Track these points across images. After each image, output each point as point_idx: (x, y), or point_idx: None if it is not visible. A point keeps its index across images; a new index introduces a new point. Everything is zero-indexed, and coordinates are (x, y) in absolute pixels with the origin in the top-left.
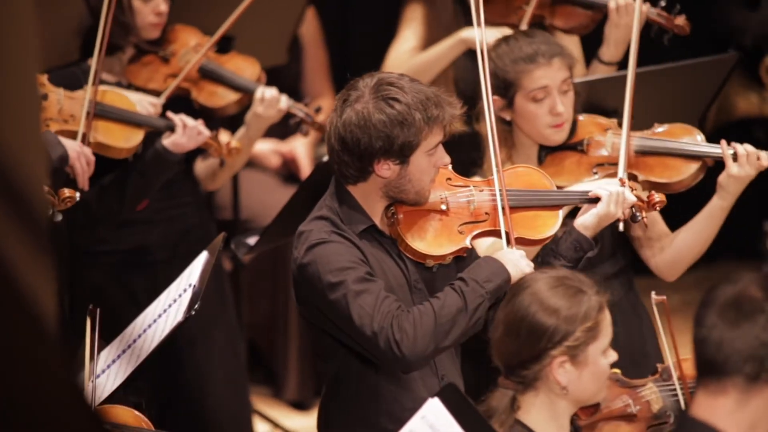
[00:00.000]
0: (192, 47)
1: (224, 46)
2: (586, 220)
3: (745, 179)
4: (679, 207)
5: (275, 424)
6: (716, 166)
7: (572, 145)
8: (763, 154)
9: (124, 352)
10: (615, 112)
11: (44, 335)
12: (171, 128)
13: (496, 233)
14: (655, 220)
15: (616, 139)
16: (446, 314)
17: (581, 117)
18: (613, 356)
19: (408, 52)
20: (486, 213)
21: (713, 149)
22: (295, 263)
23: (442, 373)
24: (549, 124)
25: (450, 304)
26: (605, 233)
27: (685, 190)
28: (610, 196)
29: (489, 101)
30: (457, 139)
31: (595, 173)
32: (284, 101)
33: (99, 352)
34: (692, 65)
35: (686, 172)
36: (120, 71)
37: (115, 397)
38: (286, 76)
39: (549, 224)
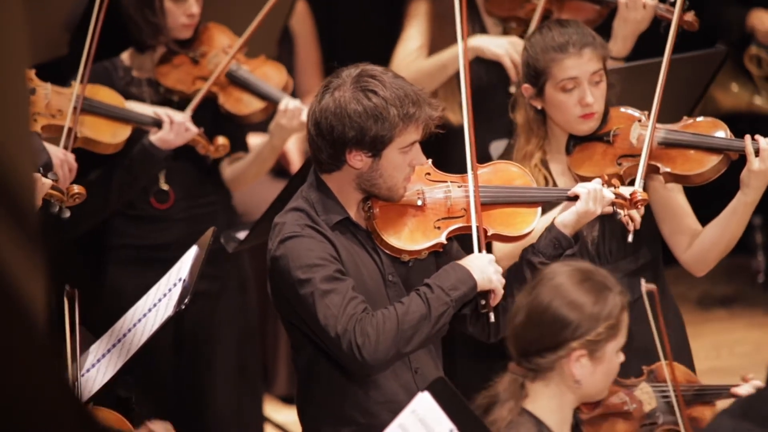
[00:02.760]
0: (222, 49)
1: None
2: (566, 218)
3: (756, 167)
4: (713, 202)
5: (265, 418)
6: (741, 160)
7: (600, 136)
8: None
9: (113, 346)
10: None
11: (33, 331)
12: (158, 124)
13: (471, 229)
14: (685, 214)
15: (641, 131)
16: (409, 320)
17: (621, 109)
18: (621, 357)
19: (415, 52)
20: (463, 209)
21: (735, 143)
22: (269, 255)
23: (416, 367)
24: (578, 114)
25: (414, 310)
26: (624, 231)
27: (707, 182)
28: (588, 194)
29: (466, 94)
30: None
31: (620, 164)
32: (306, 113)
33: (86, 343)
34: (681, 59)
35: (708, 164)
36: (151, 69)
37: (103, 393)
38: None
39: (527, 221)
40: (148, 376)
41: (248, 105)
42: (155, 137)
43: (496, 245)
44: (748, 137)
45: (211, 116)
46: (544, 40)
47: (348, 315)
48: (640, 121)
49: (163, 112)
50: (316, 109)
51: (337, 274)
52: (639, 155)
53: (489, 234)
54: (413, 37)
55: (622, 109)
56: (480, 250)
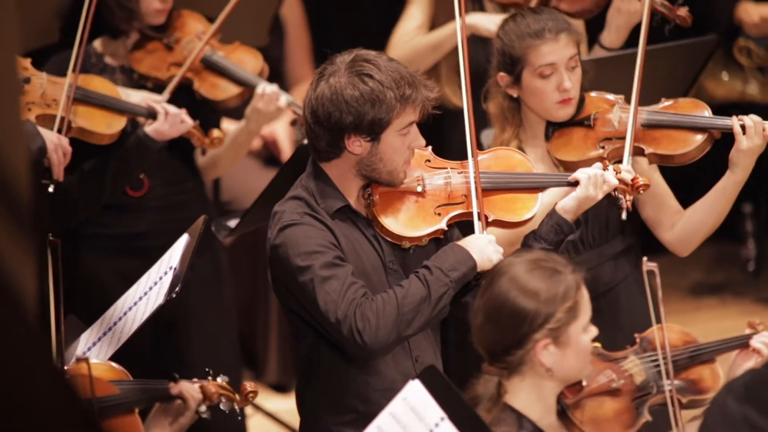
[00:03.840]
0: (196, 35)
1: (227, 34)
2: (567, 204)
3: (755, 151)
4: (692, 185)
5: (256, 407)
6: (724, 140)
7: (579, 121)
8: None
9: (104, 334)
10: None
11: (24, 320)
12: (153, 115)
13: (471, 215)
14: (666, 195)
15: (623, 114)
16: (409, 303)
17: (592, 94)
18: (593, 331)
19: (414, 30)
20: (463, 195)
21: (719, 121)
22: (268, 243)
23: (416, 354)
24: (556, 101)
25: (413, 293)
26: (610, 213)
27: (691, 162)
28: (589, 179)
29: (466, 81)
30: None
31: (602, 147)
32: (284, 99)
33: (76, 330)
34: (672, 48)
35: (692, 144)
36: (124, 55)
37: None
38: (267, 59)
39: (527, 207)
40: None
41: (224, 90)
42: (150, 129)
43: (497, 232)
44: (734, 117)
45: (185, 102)
46: (519, 27)
47: (348, 300)
48: (617, 104)
49: (159, 104)
50: (312, 97)
51: (337, 261)
52: (621, 138)
53: (490, 220)
54: (414, 15)
55: (595, 94)
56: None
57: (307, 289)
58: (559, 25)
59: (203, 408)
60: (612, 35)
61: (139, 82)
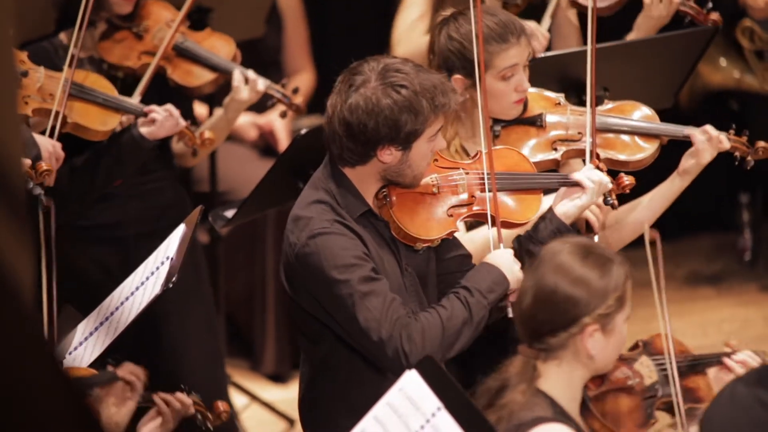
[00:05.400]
0: (165, 23)
1: (199, 21)
2: (569, 210)
3: (707, 160)
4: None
5: (253, 397)
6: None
7: (530, 120)
8: (722, 136)
9: (101, 324)
10: (577, 88)
11: (22, 310)
12: (147, 114)
13: (482, 216)
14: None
15: (573, 116)
16: (453, 326)
17: (532, 90)
18: (625, 328)
19: (415, 22)
20: (473, 196)
21: (674, 129)
22: (293, 249)
23: None
24: (513, 101)
25: (456, 315)
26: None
27: (642, 168)
28: (593, 186)
29: (481, 83)
30: None
31: (555, 150)
32: (261, 83)
33: (72, 320)
34: (670, 37)
35: (647, 150)
36: (92, 46)
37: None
38: (265, 50)
39: (533, 207)
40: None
41: (198, 77)
42: (145, 130)
43: (477, 235)
44: (687, 127)
45: (158, 90)
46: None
47: (392, 320)
48: (559, 103)
49: (159, 108)
50: (344, 108)
51: (373, 274)
52: (575, 140)
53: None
54: (414, 4)
55: (534, 90)
56: (500, 241)
57: (345, 304)
58: (518, 27)
59: (147, 394)
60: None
61: (109, 72)
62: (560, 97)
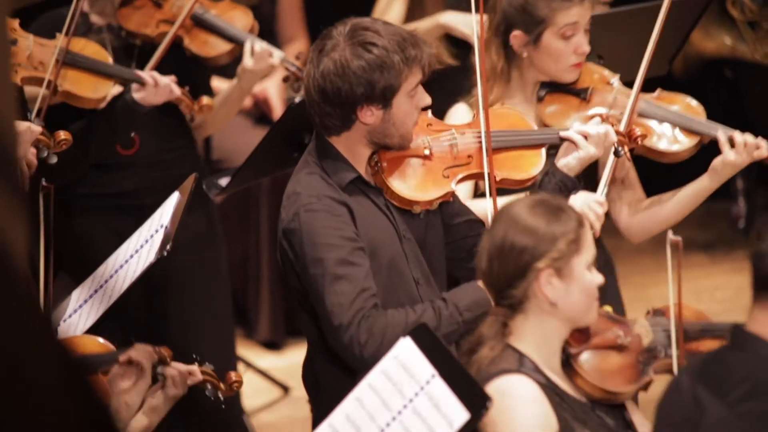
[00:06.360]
0: None
1: None
2: (570, 163)
3: (740, 166)
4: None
5: (248, 364)
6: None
7: (576, 91)
8: (763, 143)
9: (95, 292)
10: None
11: (15, 278)
12: (141, 81)
13: (480, 176)
14: (634, 181)
15: (620, 97)
16: None
17: (586, 63)
18: (599, 277)
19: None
20: (469, 156)
21: (713, 131)
22: (282, 225)
23: None
24: (571, 63)
25: (424, 322)
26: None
27: (676, 162)
28: (591, 138)
29: (479, 46)
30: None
31: None
32: (277, 56)
33: (66, 288)
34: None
35: (685, 144)
36: (111, 13)
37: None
38: (259, 17)
39: (533, 163)
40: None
41: (214, 47)
42: (138, 95)
43: (478, 204)
44: (722, 129)
45: (175, 60)
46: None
47: (356, 308)
48: (612, 83)
49: (148, 74)
50: (316, 74)
51: (352, 257)
52: (615, 120)
53: (498, 179)
54: None
55: (594, 65)
56: (492, 196)
57: (316, 284)
58: None
59: (160, 370)
60: None
61: (127, 39)
62: (615, 77)
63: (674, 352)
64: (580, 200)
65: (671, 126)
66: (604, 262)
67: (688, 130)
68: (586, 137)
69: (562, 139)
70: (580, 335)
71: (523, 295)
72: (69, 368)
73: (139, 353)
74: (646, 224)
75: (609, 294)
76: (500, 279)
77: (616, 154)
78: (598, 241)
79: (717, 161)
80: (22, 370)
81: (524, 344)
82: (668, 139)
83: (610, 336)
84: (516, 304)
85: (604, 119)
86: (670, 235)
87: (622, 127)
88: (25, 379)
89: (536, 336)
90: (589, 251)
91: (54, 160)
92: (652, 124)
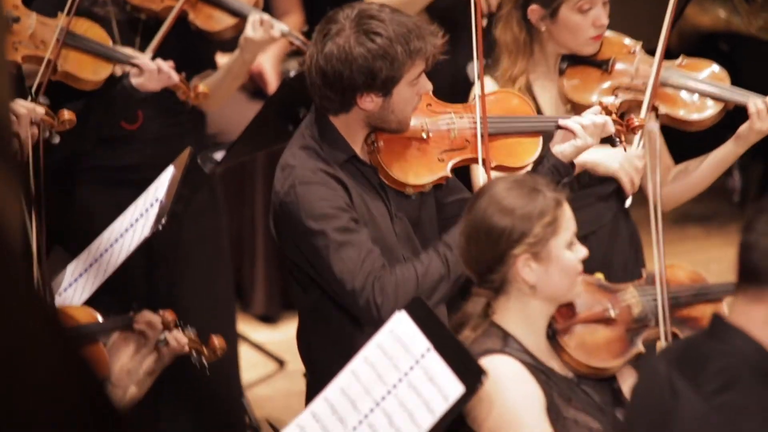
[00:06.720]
0: None
1: None
2: (565, 150)
3: (765, 133)
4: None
5: (243, 338)
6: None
7: (597, 62)
8: None
9: (90, 266)
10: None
11: (10, 255)
12: (140, 67)
13: (475, 161)
14: (662, 149)
15: (642, 66)
16: (429, 281)
17: (607, 33)
18: (582, 251)
19: None
20: (466, 140)
21: (740, 97)
22: (277, 197)
23: None
24: (590, 36)
25: (433, 271)
26: None
27: (701, 130)
28: (589, 128)
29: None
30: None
31: (616, 96)
32: (278, 28)
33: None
34: None
35: (709, 111)
36: None
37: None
38: None
39: (529, 151)
40: (120, 300)
41: (219, 21)
42: (136, 81)
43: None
44: (751, 95)
45: (179, 34)
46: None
47: (365, 271)
48: (635, 52)
49: (149, 60)
50: (319, 57)
51: (351, 224)
52: (638, 90)
53: (492, 165)
54: None
55: (611, 34)
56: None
57: (321, 254)
58: None
59: (162, 337)
60: None
61: (132, 14)
62: (637, 45)
63: (661, 325)
64: (621, 156)
65: (697, 94)
66: (629, 235)
67: (713, 98)
68: (584, 127)
69: (560, 127)
70: (568, 309)
71: (502, 279)
72: (67, 349)
73: (143, 321)
74: (674, 192)
75: (630, 269)
76: (479, 263)
77: (613, 143)
78: (625, 213)
79: (744, 127)
80: (19, 352)
81: (509, 323)
82: (694, 107)
83: (597, 309)
84: (497, 288)
85: (603, 108)
86: (648, 120)
87: (645, 98)
88: (23, 362)
89: (520, 315)
90: (567, 230)
91: (57, 140)
92: (675, 92)
